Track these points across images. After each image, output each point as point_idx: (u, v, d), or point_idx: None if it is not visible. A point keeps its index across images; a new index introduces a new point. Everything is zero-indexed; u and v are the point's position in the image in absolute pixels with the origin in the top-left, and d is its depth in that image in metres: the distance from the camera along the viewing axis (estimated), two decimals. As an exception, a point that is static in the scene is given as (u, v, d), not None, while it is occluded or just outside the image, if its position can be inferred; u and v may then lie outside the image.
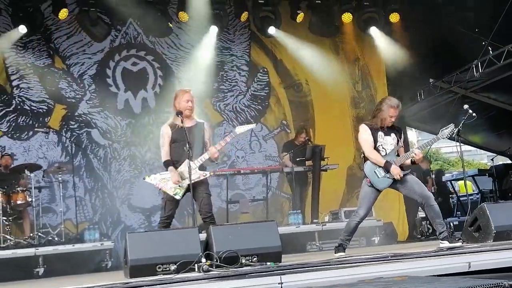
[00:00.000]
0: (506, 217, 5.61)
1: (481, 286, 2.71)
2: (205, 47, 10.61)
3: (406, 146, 7.44)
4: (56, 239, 8.31)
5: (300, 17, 10.48)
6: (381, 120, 6.00)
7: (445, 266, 3.97)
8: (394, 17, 10.81)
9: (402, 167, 5.95)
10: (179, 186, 5.88)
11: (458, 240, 5.89)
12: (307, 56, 11.00)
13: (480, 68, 10.82)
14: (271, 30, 10.54)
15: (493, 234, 5.37)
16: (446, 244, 5.66)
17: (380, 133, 6.03)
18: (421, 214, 10.75)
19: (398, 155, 6.03)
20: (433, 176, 12.15)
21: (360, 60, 11.67)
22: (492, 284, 2.72)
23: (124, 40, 10.39)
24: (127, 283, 3.99)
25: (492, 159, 14.11)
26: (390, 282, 3.10)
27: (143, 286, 3.67)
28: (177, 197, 5.90)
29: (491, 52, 10.49)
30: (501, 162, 14.73)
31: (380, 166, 5.91)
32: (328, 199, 9.98)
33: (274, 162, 10.67)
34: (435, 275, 3.72)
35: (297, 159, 9.43)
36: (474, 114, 6.68)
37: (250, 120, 10.73)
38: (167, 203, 5.93)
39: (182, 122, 5.91)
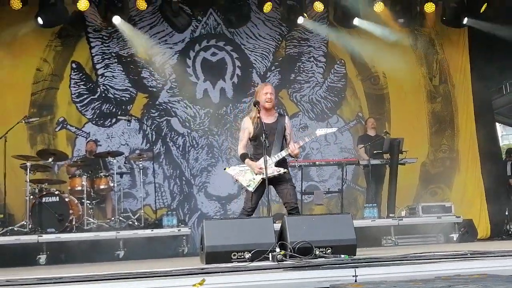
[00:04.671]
0: None
1: None
2: (281, 38, 10.63)
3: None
4: (136, 223, 8.57)
5: (379, 7, 10.16)
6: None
7: (528, 267, 3.81)
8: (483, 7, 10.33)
9: None
10: (253, 179, 5.90)
11: None
12: (385, 48, 10.76)
13: None
14: (353, 21, 10.37)
15: None
16: None
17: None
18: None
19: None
20: None
21: (439, 53, 11.29)
22: None
23: (204, 31, 10.57)
24: (204, 268, 4.08)
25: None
26: (468, 280, 3.01)
27: (218, 272, 3.73)
28: (250, 188, 5.91)
29: None
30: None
31: None
32: (402, 194, 9.75)
33: (349, 154, 10.57)
34: (516, 275, 3.58)
35: (374, 152, 9.28)
36: None
37: (326, 112, 10.71)
38: (253, 196, 5.92)
39: (259, 113, 5.90)
